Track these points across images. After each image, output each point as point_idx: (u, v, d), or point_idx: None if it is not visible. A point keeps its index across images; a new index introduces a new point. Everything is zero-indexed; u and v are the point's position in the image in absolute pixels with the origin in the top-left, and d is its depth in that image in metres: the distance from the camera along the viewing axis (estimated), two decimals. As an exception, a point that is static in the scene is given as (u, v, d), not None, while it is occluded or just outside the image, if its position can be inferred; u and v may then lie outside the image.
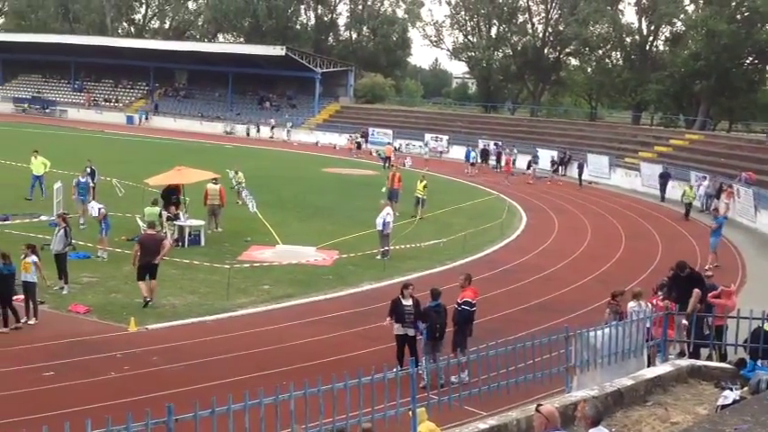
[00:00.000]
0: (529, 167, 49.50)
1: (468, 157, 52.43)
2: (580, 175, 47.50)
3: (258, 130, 70.80)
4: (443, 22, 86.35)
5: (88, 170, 28.07)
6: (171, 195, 25.60)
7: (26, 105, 79.45)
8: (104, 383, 13.08)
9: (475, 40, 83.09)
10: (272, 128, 70.32)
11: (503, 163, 51.30)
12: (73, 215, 23.01)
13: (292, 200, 34.77)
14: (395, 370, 9.59)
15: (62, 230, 18.50)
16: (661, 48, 74.49)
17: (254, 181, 34.21)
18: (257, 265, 21.95)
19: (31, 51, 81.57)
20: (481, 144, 57.82)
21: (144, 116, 75.48)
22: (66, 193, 26.45)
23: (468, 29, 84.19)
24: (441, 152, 60.33)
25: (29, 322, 15.78)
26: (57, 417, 10.59)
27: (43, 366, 13.54)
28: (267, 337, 16.15)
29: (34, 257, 16.03)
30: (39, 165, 30.71)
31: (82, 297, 17.83)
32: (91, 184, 27.33)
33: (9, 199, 28.73)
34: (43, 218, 25.50)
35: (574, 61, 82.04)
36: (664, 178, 42.53)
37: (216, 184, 26.83)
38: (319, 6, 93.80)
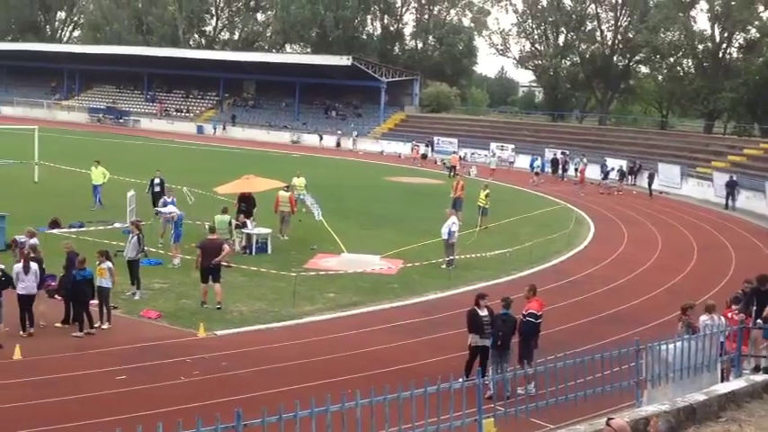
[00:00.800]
0: (606, 177, 48.25)
1: (532, 166, 51.89)
2: (650, 184, 46.55)
3: (321, 139, 71.46)
4: (510, 30, 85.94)
5: (157, 180, 28.61)
6: (242, 204, 26.07)
7: (101, 115, 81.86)
8: (175, 388, 13.34)
9: (542, 48, 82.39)
10: (339, 139, 70.80)
11: (570, 172, 50.61)
12: (145, 222, 23.54)
13: (357, 208, 34.94)
14: (461, 380, 9.53)
15: (135, 237, 18.96)
16: (735, 55, 72.53)
17: (319, 190, 34.49)
18: (323, 273, 22.12)
19: (106, 63, 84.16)
20: (549, 154, 57.21)
21: (220, 126, 76.35)
22: (139, 202, 27.09)
23: (536, 37, 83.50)
24: (511, 162, 58.94)
25: (102, 327, 16.21)
26: (129, 420, 10.86)
27: (116, 370, 13.88)
28: (333, 344, 16.24)
29: (108, 263, 16.46)
30: (98, 174, 30.92)
31: (153, 303, 18.23)
32: (161, 196, 27.87)
33: (84, 207, 29.56)
34: (117, 225, 26.17)
35: (644, 69, 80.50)
36: (730, 187, 41.42)
37: (287, 191, 27.32)
38: (386, 16, 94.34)
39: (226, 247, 19.60)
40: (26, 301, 15.42)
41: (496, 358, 13.44)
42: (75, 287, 15.92)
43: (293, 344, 16.14)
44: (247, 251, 24.37)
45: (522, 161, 57.35)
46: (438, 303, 20.03)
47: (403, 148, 65.29)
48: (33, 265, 15.52)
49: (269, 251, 24.74)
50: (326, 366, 14.75)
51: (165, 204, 24.83)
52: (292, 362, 14.94)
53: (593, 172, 50.44)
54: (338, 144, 70.44)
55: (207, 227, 21.26)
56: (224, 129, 75.89)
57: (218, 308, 18.11)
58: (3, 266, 15.44)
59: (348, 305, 19.36)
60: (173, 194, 26.03)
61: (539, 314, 13.98)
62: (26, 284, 15.33)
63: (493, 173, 50.02)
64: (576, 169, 52.44)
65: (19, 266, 15.47)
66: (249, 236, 24.68)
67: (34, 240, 18.22)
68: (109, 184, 31.76)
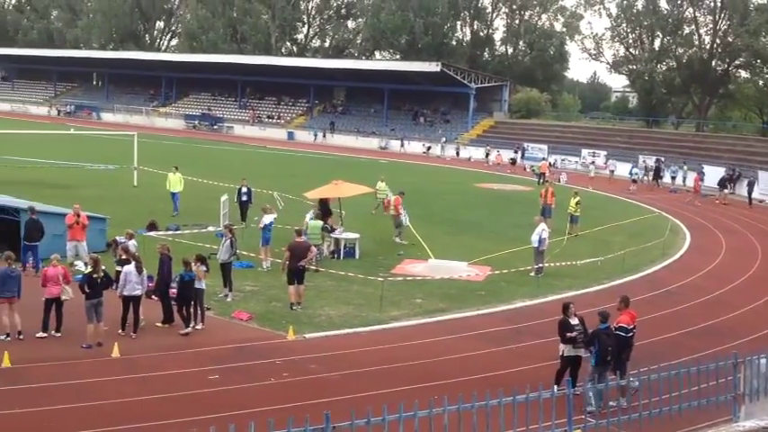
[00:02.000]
0: (725, 187, 46.40)
1: (632, 173, 50.71)
2: (750, 193, 44.82)
3: (402, 145, 71.72)
4: (603, 34, 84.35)
5: (244, 189, 28.89)
6: (324, 208, 26.43)
7: (196, 122, 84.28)
8: (265, 388, 13.59)
9: (637, 52, 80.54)
10: (428, 146, 70.87)
11: (666, 179, 49.22)
12: (237, 226, 24.08)
13: (444, 214, 34.88)
14: (552, 390, 9.40)
15: (228, 241, 19.43)
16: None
17: (407, 196, 34.45)
18: (410, 278, 22.16)
19: (202, 71, 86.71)
20: (645, 160, 55.75)
21: (321, 133, 76.97)
22: (232, 206, 27.74)
23: (630, 41, 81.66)
24: (612, 171, 55.52)
25: (196, 327, 16.66)
26: (221, 418, 11.14)
27: (209, 370, 14.24)
28: (419, 350, 16.24)
29: (203, 266, 16.93)
30: (176, 181, 31.03)
31: (244, 305, 18.63)
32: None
33: (181, 210, 30.44)
34: (210, 228, 26.87)
35: (744, 74, 77.57)
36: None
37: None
38: (476, 22, 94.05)
39: (313, 249, 19.97)
40: (131, 303, 15.95)
41: (597, 372, 13.02)
42: (181, 287, 16.41)
43: (380, 348, 16.23)
44: (335, 255, 24.62)
45: (622, 169, 55.13)
46: (526, 311, 19.78)
47: (475, 153, 64.71)
48: (137, 267, 16.09)
49: (357, 256, 24.93)
50: (413, 372, 14.76)
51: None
52: (379, 366, 15.02)
53: (689, 180, 48.87)
54: (428, 150, 70.52)
55: (294, 230, 21.60)
56: (324, 136, 76.61)
57: (300, 306, 18.52)
58: (104, 267, 16.02)
59: (435, 311, 19.34)
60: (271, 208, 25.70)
61: (630, 327, 13.57)
62: (131, 285, 15.87)
63: (591, 181, 48.90)
64: (674, 177, 50.96)
65: (130, 268, 16.02)
66: (337, 240, 24.93)
67: (133, 242, 18.92)
68: (202, 188, 32.68)
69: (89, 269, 15.55)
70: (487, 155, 63.98)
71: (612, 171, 55.28)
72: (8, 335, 14.96)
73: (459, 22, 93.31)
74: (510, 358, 15.86)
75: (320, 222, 23.94)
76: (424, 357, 15.72)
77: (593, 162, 57.76)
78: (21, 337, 15.11)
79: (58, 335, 15.53)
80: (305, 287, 19.10)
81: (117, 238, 20.23)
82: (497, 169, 58.14)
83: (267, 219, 23.02)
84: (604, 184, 50.17)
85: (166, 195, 31.03)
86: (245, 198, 28.84)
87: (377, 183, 33.59)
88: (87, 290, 15.18)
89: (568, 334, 13.34)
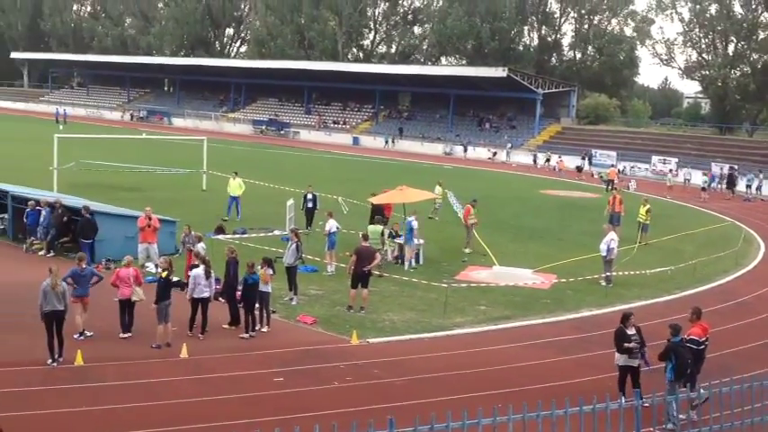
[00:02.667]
0: None
1: (702, 181, 49.47)
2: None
3: (465, 150, 71.41)
4: (675, 39, 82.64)
5: (310, 195, 28.72)
6: (377, 214, 26.45)
7: (264, 127, 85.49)
8: (329, 392, 13.67)
9: (710, 57, 78.63)
10: (494, 151, 70.47)
11: (740, 188, 47.88)
12: (302, 231, 24.30)
13: (509, 221, 34.59)
14: (619, 401, 9.21)
15: (294, 245, 19.63)
16: None
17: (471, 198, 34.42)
18: (474, 285, 22.03)
19: (270, 77, 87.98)
20: (716, 168, 54.34)
21: (391, 139, 77.00)
22: (298, 212, 28.01)
23: (703, 46, 79.82)
24: (687, 179, 53.25)
25: (262, 330, 16.87)
26: (286, 421, 11.24)
27: (274, 372, 14.39)
28: (483, 357, 16.12)
29: (269, 270, 17.13)
30: (236, 186, 30.82)
31: (309, 308, 18.78)
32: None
33: (248, 214, 30.89)
34: (276, 232, 27.20)
35: (823, 79, 75.04)
36: None
37: (475, 205, 27.57)
38: (543, 27, 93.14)
39: (378, 255, 20.09)
40: (200, 305, 16.22)
41: (675, 388, 12.66)
42: (244, 290, 16.65)
43: (444, 355, 16.16)
44: (399, 261, 24.63)
45: (698, 177, 53.32)
46: (592, 321, 19.45)
47: (557, 161, 63.91)
48: (206, 270, 16.36)
49: (421, 261, 24.90)
50: (477, 379, 14.65)
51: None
52: (442, 373, 14.96)
53: (765, 188, 47.45)
54: (494, 156, 70.11)
55: (360, 234, 21.73)
56: (393, 142, 76.74)
57: (362, 311, 18.64)
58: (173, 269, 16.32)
59: (499, 318, 19.17)
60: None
61: (701, 340, 13.20)
62: (202, 288, 16.16)
63: (670, 190, 47.76)
64: (749, 186, 49.58)
65: (199, 271, 16.32)
66: (401, 246, 24.93)
67: (202, 245, 19.28)
68: (269, 193, 33.08)
69: (163, 272, 15.84)
70: (547, 160, 63.51)
71: (688, 180, 53.64)
72: (81, 333, 15.38)
73: (526, 27, 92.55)
74: (576, 368, 15.61)
75: (380, 227, 23.99)
76: (487, 365, 15.59)
77: (671, 170, 56.08)
78: (89, 334, 15.49)
79: (130, 335, 15.90)
80: (369, 292, 19.17)
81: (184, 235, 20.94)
82: (559, 175, 57.50)
83: (332, 224, 23.14)
84: (677, 192, 49.02)
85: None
86: (310, 205, 28.72)
87: (434, 187, 33.48)
88: (160, 292, 15.50)
89: (626, 344, 13.13)
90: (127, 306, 15.89)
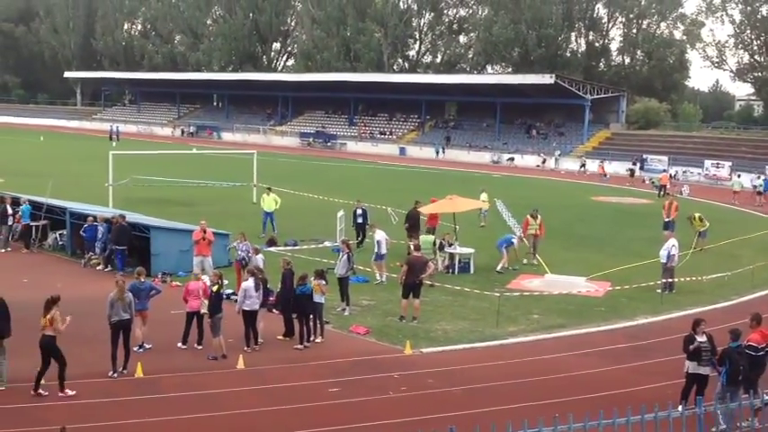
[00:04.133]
0: None
1: (755, 185, 48.38)
2: None
3: (512, 159, 71.05)
4: (726, 42, 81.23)
5: (359, 210, 28.11)
6: (416, 219, 26.40)
7: (310, 139, 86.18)
8: (384, 402, 13.70)
9: (762, 59, 77.13)
10: (543, 158, 70.05)
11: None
12: (354, 241, 24.41)
13: (560, 228, 34.20)
14: (680, 408, 9.08)
15: (345, 256, 19.75)
16: None
17: (522, 210, 34.17)
18: (527, 293, 21.89)
19: (316, 89, 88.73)
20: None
21: (441, 148, 76.84)
22: (348, 222, 28.13)
23: (755, 48, 78.37)
24: (755, 187, 49.02)
25: (316, 340, 17.00)
26: (343, 431, 11.29)
27: (329, 382, 14.48)
28: (538, 366, 16.00)
29: (322, 281, 17.26)
30: (270, 201, 30.05)
31: (362, 319, 18.86)
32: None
33: (298, 226, 31.15)
34: (327, 244, 27.37)
35: None
36: None
37: (536, 216, 26.75)
38: (591, 32, 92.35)
39: (431, 264, 20.14)
40: (250, 317, 16.40)
41: (728, 392, 12.48)
42: (296, 302, 16.80)
43: (498, 364, 16.09)
44: (450, 270, 24.60)
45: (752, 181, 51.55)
46: (649, 328, 19.19)
47: (609, 167, 63.17)
48: (256, 282, 16.52)
49: (471, 271, 24.83)
50: (532, 388, 14.56)
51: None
52: (497, 382, 14.89)
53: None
54: (543, 163, 69.67)
55: (412, 245, 21.77)
56: (443, 151, 76.47)
57: (414, 321, 18.66)
58: (227, 281, 16.53)
59: (553, 327, 19.02)
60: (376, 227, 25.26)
61: (760, 346, 12.93)
62: (251, 301, 16.35)
63: (736, 196, 46.80)
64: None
65: (249, 284, 16.52)
66: (452, 255, 24.91)
67: (260, 257, 19.51)
68: (318, 204, 33.25)
69: (213, 285, 16.07)
70: (582, 166, 63.85)
71: (756, 188, 51.58)
72: (141, 346, 15.67)
73: (573, 33, 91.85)
74: (634, 376, 15.40)
75: (431, 237, 23.96)
76: (543, 374, 15.48)
77: (739, 175, 53.98)
78: (148, 347, 15.76)
79: (200, 347, 16.16)
80: (420, 302, 19.19)
81: (235, 243, 21.38)
82: (602, 180, 56.95)
83: (380, 235, 23.18)
84: (720, 194, 48.06)
85: (285, 212, 31.65)
86: (360, 220, 28.00)
87: (480, 194, 33.29)
88: (212, 305, 15.73)
89: (691, 346, 12.94)
90: (195, 318, 16.16)
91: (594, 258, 27.59)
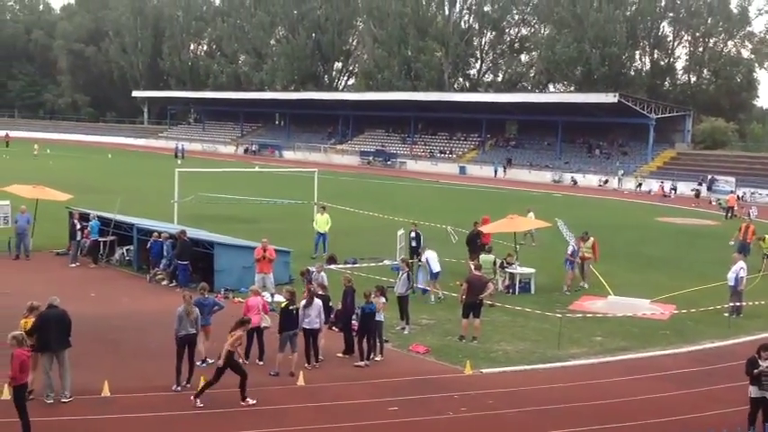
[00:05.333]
0: None
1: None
2: None
3: (574, 179, 70.28)
4: (796, 61, 79.17)
5: (413, 234, 27.36)
6: (476, 241, 26.18)
7: (370, 158, 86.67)
8: (444, 422, 13.63)
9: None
10: (605, 179, 69.17)
11: None
12: (413, 260, 24.41)
13: (623, 249, 33.68)
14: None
15: (405, 274, 19.76)
16: None
17: (583, 230, 33.76)
18: (589, 315, 21.55)
19: (377, 108, 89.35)
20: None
21: (501, 168, 76.52)
22: (408, 241, 28.11)
23: (827, 65, 76.16)
24: None
25: (375, 358, 17.00)
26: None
27: (389, 401, 14.46)
28: (601, 390, 15.72)
29: (383, 298, 17.29)
30: (323, 222, 29.44)
31: (421, 338, 18.80)
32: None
33: (357, 244, 31.31)
34: (386, 262, 27.41)
35: None
36: None
37: (587, 238, 26.01)
38: (656, 51, 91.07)
39: (491, 285, 20.01)
40: (311, 335, 16.42)
41: None
42: (363, 319, 16.85)
43: (559, 386, 15.86)
44: (510, 290, 24.40)
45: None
46: (715, 353, 18.70)
47: (633, 185, 62.07)
48: (317, 301, 16.54)
49: (532, 291, 24.59)
50: (595, 412, 14.31)
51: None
52: (559, 405, 14.68)
53: None
54: (605, 183, 68.77)
55: (472, 264, 21.66)
56: (504, 172, 75.87)
57: (474, 341, 18.56)
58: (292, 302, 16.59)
59: (616, 350, 18.67)
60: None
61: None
62: (310, 319, 16.43)
63: None
64: None
65: (303, 303, 16.63)
66: (512, 275, 24.71)
67: (323, 276, 19.64)
68: (378, 223, 33.31)
69: (286, 302, 16.21)
70: (639, 185, 63.20)
71: None
72: (204, 360, 15.89)
73: (637, 52, 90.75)
74: (699, 401, 15.02)
75: (491, 257, 23.81)
76: (606, 397, 15.20)
77: None
78: (210, 361, 15.94)
79: (261, 363, 16.28)
80: (480, 321, 19.08)
81: (309, 268, 21.12)
82: (663, 200, 55.90)
83: (429, 254, 23.10)
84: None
85: (345, 230, 31.83)
86: (413, 243, 27.16)
87: (526, 214, 32.80)
88: (284, 322, 15.87)
89: (754, 371, 12.70)
90: (255, 333, 16.32)
91: (659, 280, 27.04)
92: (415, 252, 27.24)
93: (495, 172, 75.81)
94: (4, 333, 12.36)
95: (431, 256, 22.95)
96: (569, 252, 25.09)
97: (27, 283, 23.20)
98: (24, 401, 11.90)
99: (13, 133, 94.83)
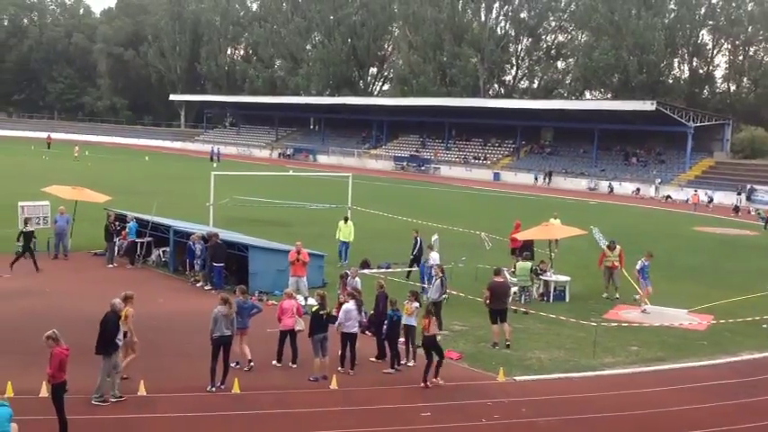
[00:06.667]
0: None
1: None
2: None
3: (610, 187, 69.60)
4: (839, 67, 77.73)
5: (413, 241, 27.04)
6: (524, 250, 26.01)
7: (405, 163, 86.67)
8: (476, 429, 13.54)
9: None
10: (638, 188, 68.53)
11: None
12: (446, 266, 24.35)
13: (660, 259, 32.86)
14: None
15: (438, 280, 19.70)
16: None
17: (620, 239, 33.37)
18: (625, 324, 21.32)
19: (411, 114, 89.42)
20: None
21: (541, 176, 75.88)
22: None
23: None
24: None
25: (408, 364, 16.95)
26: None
27: (421, 407, 14.41)
28: (636, 400, 15.51)
29: (416, 303, 17.23)
30: (347, 231, 28.66)
31: (454, 344, 18.71)
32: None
33: (391, 249, 31.26)
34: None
35: None
36: None
37: (613, 247, 25.74)
38: (694, 59, 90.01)
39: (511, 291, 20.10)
40: (349, 339, 16.45)
41: None
42: (390, 326, 16.82)
43: (594, 396, 15.69)
44: (545, 298, 24.21)
45: None
46: (755, 364, 18.38)
47: (714, 197, 61.17)
48: (354, 305, 16.57)
49: (567, 299, 24.37)
50: (630, 423, 14.13)
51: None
52: (594, 414, 14.52)
53: None
54: (638, 192, 68.10)
55: (515, 275, 21.55)
56: (547, 181, 74.86)
57: (507, 345, 18.49)
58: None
59: (652, 360, 18.43)
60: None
61: None
62: (353, 323, 16.46)
63: None
64: None
65: (350, 306, 16.58)
66: (547, 283, 24.51)
67: (357, 281, 19.65)
68: (410, 228, 33.14)
69: (316, 306, 16.25)
70: (667, 197, 62.71)
71: None
72: (237, 363, 15.96)
73: (676, 60, 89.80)
74: (737, 413, 14.77)
75: (529, 264, 23.64)
76: (641, 408, 15.01)
77: None
78: (251, 365, 16.01)
79: (295, 366, 16.33)
80: (510, 326, 18.97)
81: (347, 271, 21.15)
82: (697, 209, 55.18)
83: (434, 256, 23.13)
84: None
85: (377, 234, 31.83)
86: (415, 252, 26.91)
87: (550, 219, 32.41)
88: (314, 325, 15.91)
89: None
90: (289, 336, 16.39)
91: (696, 290, 26.66)
92: (416, 260, 27.06)
93: (536, 179, 75.29)
94: (43, 331, 12.53)
95: (435, 258, 23.09)
96: (638, 267, 23.91)
97: (65, 283, 23.58)
98: (62, 399, 12.04)
99: (53, 135, 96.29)
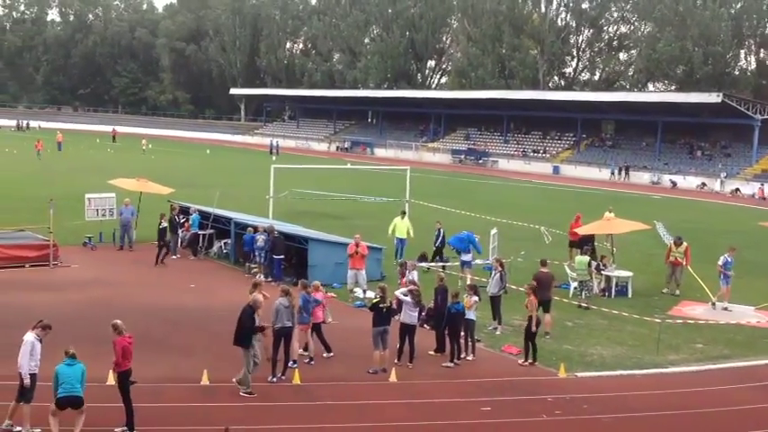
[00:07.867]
0: None
1: None
2: None
3: (673, 182, 68.03)
4: None
5: (437, 232, 26.74)
6: (584, 244, 25.63)
7: (462, 157, 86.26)
8: (538, 425, 13.44)
9: None
10: (703, 183, 66.98)
11: None
12: (507, 259, 24.17)
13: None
14: None
15: (498, 274, 19.57)
16: None
17: (684, 234, 32.65)
18: (690, 321, 20.88)
19: (470, 107, 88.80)
20: None
21: (617, 170, 73.87)
22: (501, 240, 27.84)
23: None
24: None
25: (467, 358, 16.89)
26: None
27: (481, 401, 14.34)
28: (701, 398, 15.21)
29: (475, 297, 17.16)
30: (403, 228, 27.58)
31: (514, 339, 18.55)
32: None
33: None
34: (478, 262, 27.16)
35: None
36: None
37: (679, 243, 25.25)
38: (762, 50, 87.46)
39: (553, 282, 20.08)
40: (407, 331, 16.44)
41: None
42: (449, 319, 16.78)
43: (657, 393, 15.40)
44: (606, 294, 23.84)
45: None
46: (827, 365, 17.83)
47: (743, 188, 59.51)
48: (410, 297, 16.64)
49: (629, 295, 23.96)
50: (694, 421, 13.87)
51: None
52: (657, 412, 14.26)
53: None
54: (703, 186, 66.58)
55: (573, 269, 21.29)
56: (625, 175, 72.73)
57: (547, 335, 18.47)
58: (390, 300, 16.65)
59: (718, 358, 18.02)
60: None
61: None
62: (411, 315, 16.47)
63: None
64: None
65: (408, 299, 16.62)
66: (609, 278, 24.14)
67: (414, 274, 19.65)
68: (470, 222, 33.00)
69: (376, 299, 16.28)
70: (736, 190, 61.05)
71: None
72: (311, 359, 16.07)
73: (743, 51, 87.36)
74: (808, 416, 14.35)
75: (586, 258, 23.26)
76: (705, 406, 14.71)
77: None
78: (312, 362, 16.14)
79: (331, 355, 16.44)
80: (552, 317, 18.96)
81: (407, 261, 21.21)
82: (760, 203, 53.69)
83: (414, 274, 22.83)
84: None
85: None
86: (438, 243, 26.67)
87: (604, 213, 31.75)
88: (374, 318, 15.95)
89: None
90: (313, 329, 16.40)
91: (763, 287, 25.94)
92: (438, 252, 26.82)
93: (612, 173, 73.94)
94: (108, 320, 12.83)
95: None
96: (721, 263, 23.25)
97: (132, 274, 24.11)
98: (128, 387, 12.31)
99: (117, 129, 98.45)
